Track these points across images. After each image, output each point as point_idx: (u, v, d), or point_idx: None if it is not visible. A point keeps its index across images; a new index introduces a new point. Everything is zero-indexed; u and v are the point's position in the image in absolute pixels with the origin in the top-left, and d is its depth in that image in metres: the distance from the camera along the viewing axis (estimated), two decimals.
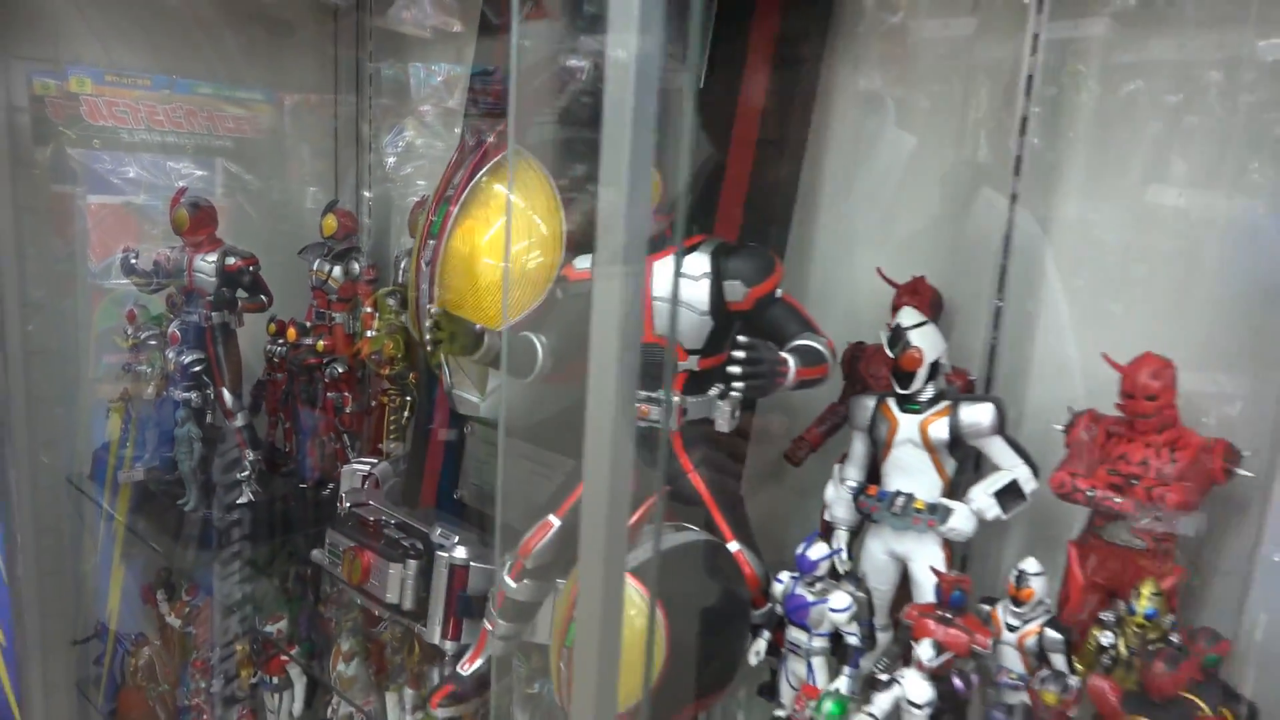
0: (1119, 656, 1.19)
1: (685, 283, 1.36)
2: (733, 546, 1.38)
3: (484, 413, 1.79)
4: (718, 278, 1.36)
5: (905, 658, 1.22)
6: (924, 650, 1.16)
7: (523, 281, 1.69)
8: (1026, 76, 1.38)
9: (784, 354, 1.26)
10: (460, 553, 1.61)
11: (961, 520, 1.31)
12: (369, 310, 2.09)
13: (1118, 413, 1.28)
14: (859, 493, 1.40)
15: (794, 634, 1.31)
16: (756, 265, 1.36)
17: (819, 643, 1.30)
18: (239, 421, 2.15)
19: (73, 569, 2.28)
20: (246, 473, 2.06)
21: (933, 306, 1.54)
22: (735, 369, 1.20)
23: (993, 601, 1.28)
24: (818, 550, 1.29)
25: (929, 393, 1.35)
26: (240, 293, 2.12)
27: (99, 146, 1.92)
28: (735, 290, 1.35)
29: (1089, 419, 1.31)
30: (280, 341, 2.21)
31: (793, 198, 1.66)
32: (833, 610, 1.28)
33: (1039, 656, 1.22)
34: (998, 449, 1.33)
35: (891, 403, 1.37)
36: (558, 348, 1.47)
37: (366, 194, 2.35)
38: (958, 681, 1.15)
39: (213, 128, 2.06)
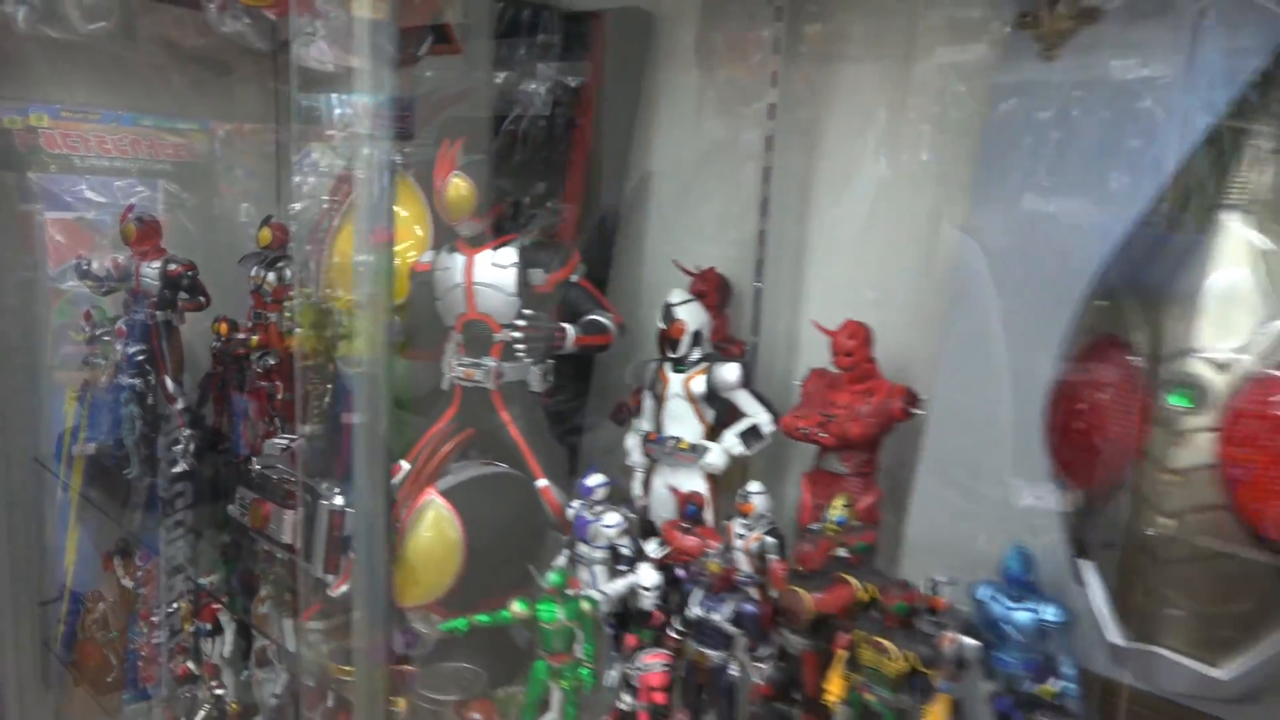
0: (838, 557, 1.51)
1: (497, 271, 1.70)
2: (541, 483, 1.73)
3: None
4: (523, 267, 1.71)
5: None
6: (651, 547, 1.49)
7: (401, 275, 2.05)
8: (769, 104, 1.73)
9: (564, 324, 1.60)
10: (338, 500, 1.94)
11: (715, 456, 1.65)
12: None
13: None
14: (645, 439, 1.74)
15: (580, 548, 1.65)
16: (555, 257, 1.71)
17: (599, 554, 1.63)
18: (179, 405, 2.50)
19: (39, 538, 2.63)
20: (181, 446, 2.40)
21: (720, 291, 1.88)
22: (514, 334, 1.54)
23: (730, 517, 1.61)
24: (594, 479, 1.62)
25: (694, 356, 1.69)
26: (181, 294, 2.48)
27: (55, 171, 2.30)
28: (537, 276, 1.70)
29: (815, 374, 1.65)
30: (219, 338, 2.57)
31: (619, 203, 2.02)
32: (605, 527, 1.61)
33: (761, 557, 1.55)
34: (743, 399, 1.67)
35: (666, 366, 1.71)
36: (407, 325, 1.82)
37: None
38: (680, 571, 1.47)
39: (154, 154, 2.43)
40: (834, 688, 1.28)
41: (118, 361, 2.45)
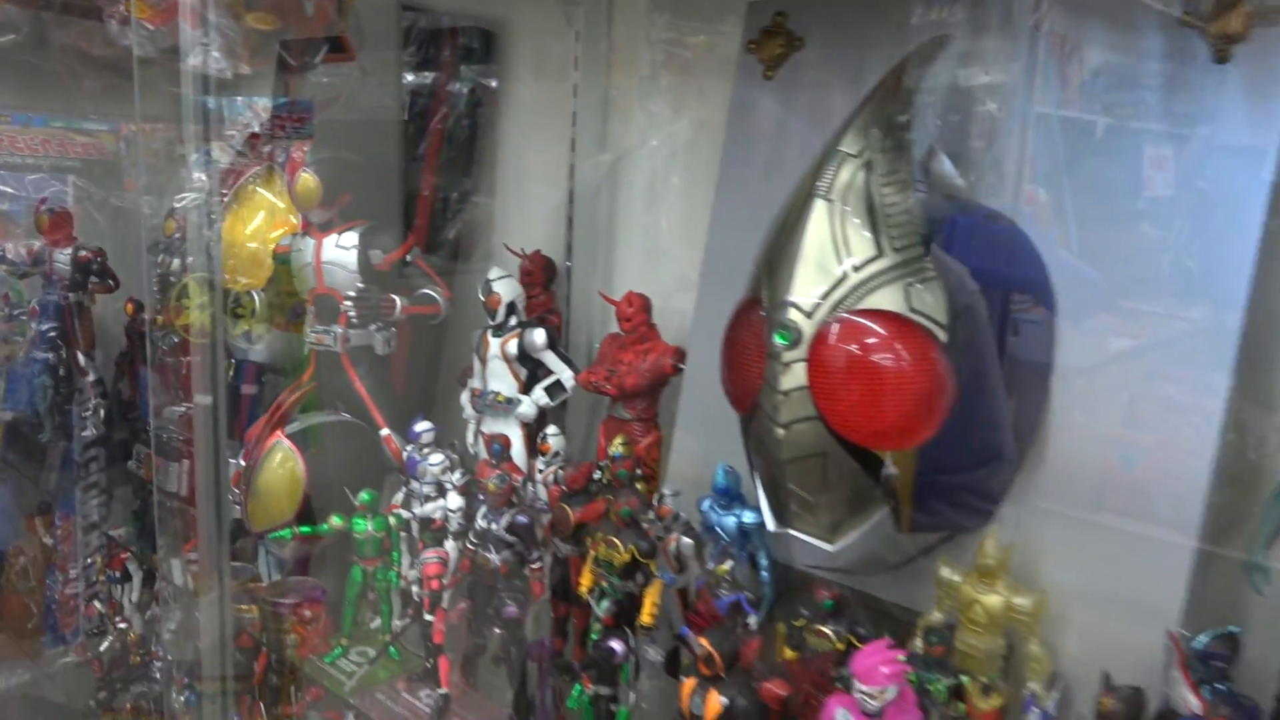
0: (603, 480, 1.84)
1: (340, 251, 2.02)
2: (384, 431, 2.04)
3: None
4: (364, 249, 2.02)
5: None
6: (453, 477, 1.82)
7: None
8: (571, 114, 2.06)
9: (393, 296, 1.92)
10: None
11: (526, 407, 1.98)
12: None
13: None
14: (472, 395, 2.06)
15: (412, 485, 1.96)
16: (391, 240, 2.03)
17: (427, 489, 1.95)
18: (91, 377, 2.78)
19: None
20: (89, 413, 2.69)
21: (546, 270, 2.21)
22: (346, 304, 1.86)
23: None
24: (421, 426, 1.94)
25: (511, 323, 2.01)
26: (92, 278, 2.76)
27: None
28: (376, 256, 2.02)
29: (610, 337, 1.98)
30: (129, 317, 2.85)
31: (468, 194, 2.34)
32: (430, 465, 1.92)
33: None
34: (550, 359, 1.99)
35: (489, 332, 2.03)
36: (270, 299, 2.13)
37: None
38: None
39: (64, 152, 2.71)
40: (585, 580, 1.61)
41: (32, 338, 2.73)
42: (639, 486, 1.69)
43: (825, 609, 1.35)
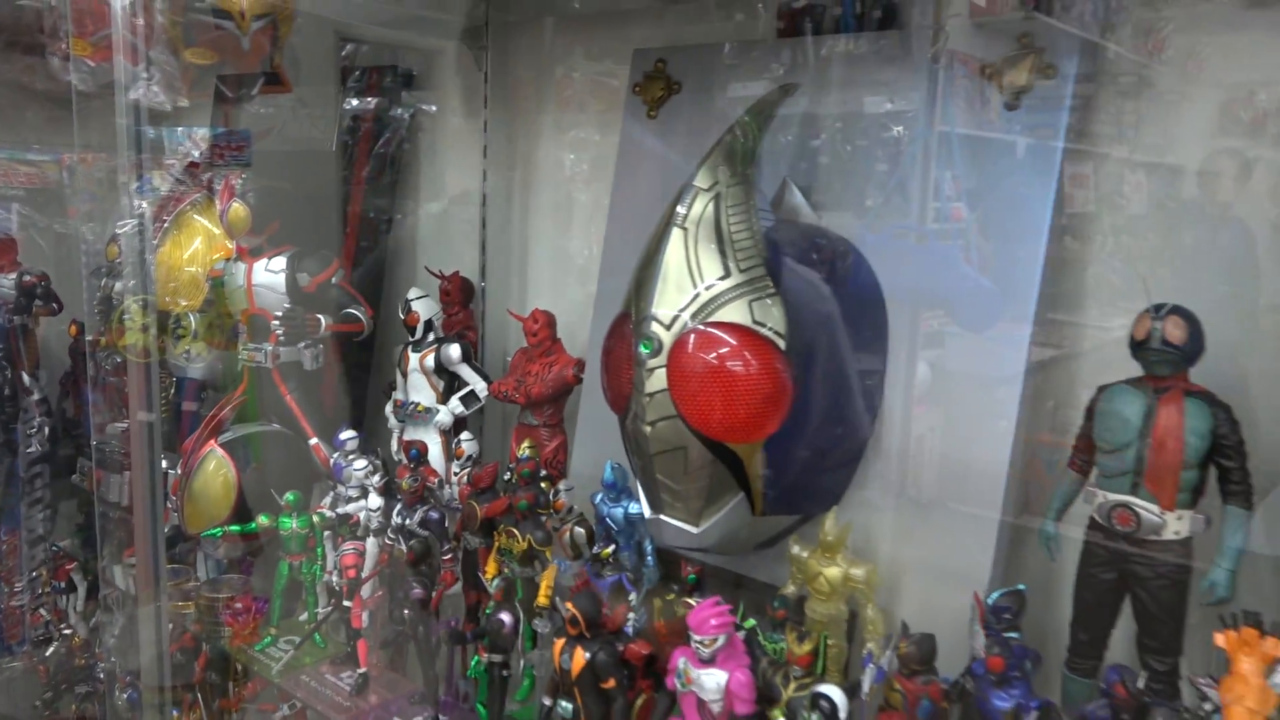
0: (510, 480, 2.03)
1: (269, 275, 2.19)
2: (313, 441, 2.21)
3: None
4: (292, 272, 2.19)
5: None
6: (375, 480, 1.99)
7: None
8: (483, 147, 2.25)
9: (318, 315, 2.10)
10: (164, 464, 2.39)
11: (443, 415, 2.16)
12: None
13: None
14: (395, 405, 2.24)
15: (339, 488, 2.13)
16: (317, 264, 2.20)
17: (352, 491, 2.12)
18: (35, 396, 2.91)
19: None
20: (35, 430, 2.82)
21: (463, 290, 2.39)
22: (275, 324, 2.03)
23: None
24: (346, 434, 2.11)
25: (429, 339, 2.19)
26: (36, 302, 2.89)
27: None
28: (303, 279, 2.19)
29: (520, 351, 2.17)
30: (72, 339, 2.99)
31: (389, 222, 2.52)
32: (355, 470, 2.09)
33: None
34: (465, 371, 2.18)
35: (409, 348, 2.21)
36: (208, 319, 2.29)
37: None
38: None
39: (8, 181, 2.86)
40: (490, 569, 1.80)
41: None
42: (542, 485, 1.88)
43: (689, 583, 1.55)
